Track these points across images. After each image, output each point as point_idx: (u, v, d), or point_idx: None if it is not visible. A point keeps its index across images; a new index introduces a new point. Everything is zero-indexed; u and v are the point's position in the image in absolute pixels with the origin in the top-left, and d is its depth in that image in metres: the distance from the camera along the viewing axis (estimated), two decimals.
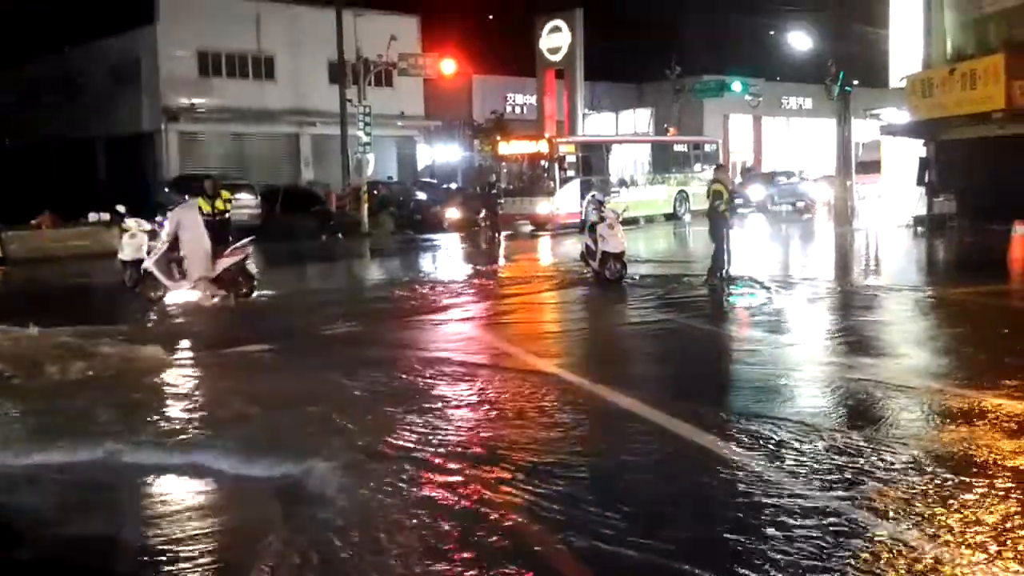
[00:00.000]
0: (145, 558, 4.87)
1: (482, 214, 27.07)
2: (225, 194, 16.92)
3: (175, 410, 7.73)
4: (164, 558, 4.85)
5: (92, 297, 15.06)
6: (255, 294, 14.76)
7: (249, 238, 15.68)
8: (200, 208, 15.66)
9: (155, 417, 7.52)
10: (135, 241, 16.41)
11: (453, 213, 30.84)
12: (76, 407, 7.86)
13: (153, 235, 16.83)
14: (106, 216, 23.24)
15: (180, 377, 9.06)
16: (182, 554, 4.87)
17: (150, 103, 35.58)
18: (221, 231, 15.92)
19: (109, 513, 5.50)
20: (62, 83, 41.46)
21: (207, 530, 5.22)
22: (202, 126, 35.96)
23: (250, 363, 9.68)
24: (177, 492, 5.95)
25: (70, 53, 40.56)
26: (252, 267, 14.94)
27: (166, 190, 28.12)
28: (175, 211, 14.98)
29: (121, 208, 18.39)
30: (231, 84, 36.17)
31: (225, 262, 14.59)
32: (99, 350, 10.37)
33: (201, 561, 4.80)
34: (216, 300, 14.34)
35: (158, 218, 16.63)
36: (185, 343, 11.04)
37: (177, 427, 7.22)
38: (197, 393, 8.32)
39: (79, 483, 5.97)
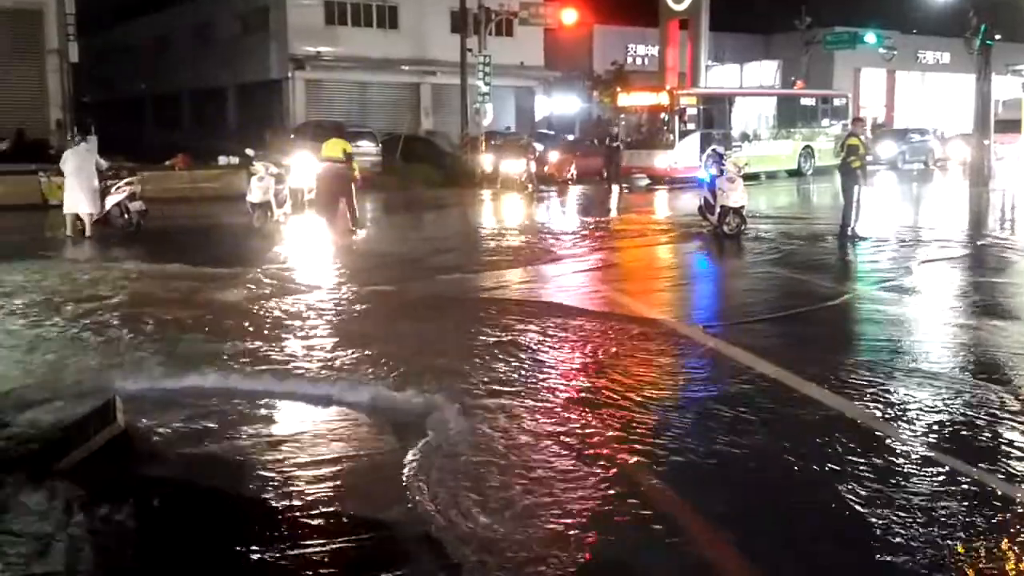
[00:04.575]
0: (272, 478, 5.12)
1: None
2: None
3: (297, 342, 8.03)
4: (291, 479, 5.10)
5: (222, 236, 15.70)
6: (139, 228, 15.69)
7: (133, 176, 16.50)
8: (331, 157, 16.07)
9: (277, 348, 7.84)
10: (263, 184, 16.96)
11: (511, 166, 26.96)
12: (212, 337, 8.26)
13: (280, 179, 17.39)
14: (235, 159, 24.07)
15: (302, 312, 9.38)
16: (305, 477, 5.11)
17: (278, 51, 36.44)
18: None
19: (239, 437, 5.78)
20: (195, 31, 42.88)
21: (331, 455, 5.45)
22: (327, 74, 36.66)
23: (369, 302, 9.94)
24: (302, 419, 6.22)
25: (203, 1, 41.83)
26: (137, 204, 15.89)
27: (291, 136, 28.85)
28: (66, 152, 15.91)
29: (250, 152, 19.05)
30: (356, 33, 36.70)
31: (112, 199, 15.61)
32: (227, 285, 10.85)
33: (325, 484, 5.03)
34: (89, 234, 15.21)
35: (286, 161, 17.10)
36: (307, 280, 11.39)
37: (300, 358, 7.51)
38: (318, 328, 8.61)
39: (213, 407, 6.29)
